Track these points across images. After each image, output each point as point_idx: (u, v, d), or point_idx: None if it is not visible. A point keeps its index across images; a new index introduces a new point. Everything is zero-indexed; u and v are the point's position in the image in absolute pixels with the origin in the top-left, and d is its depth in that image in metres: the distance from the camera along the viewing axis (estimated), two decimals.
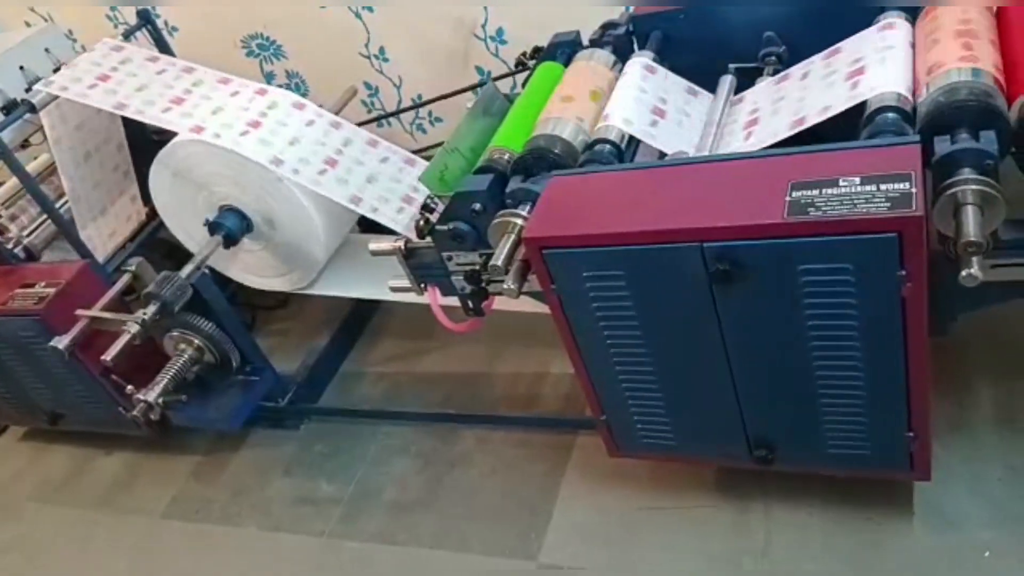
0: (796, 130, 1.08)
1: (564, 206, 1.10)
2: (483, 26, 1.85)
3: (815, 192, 0.93)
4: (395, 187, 1.56)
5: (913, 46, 1.12)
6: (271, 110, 1.58)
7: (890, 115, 1.01)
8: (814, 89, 1.14)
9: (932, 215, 0.94)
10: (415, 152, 1.71)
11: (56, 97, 1.58)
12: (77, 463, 1.95)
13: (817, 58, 1.20)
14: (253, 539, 1.61)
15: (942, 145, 0.95)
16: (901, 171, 0.90)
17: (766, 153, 1.06)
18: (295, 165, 1.50)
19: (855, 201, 0.90)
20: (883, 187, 0.90)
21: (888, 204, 0.88)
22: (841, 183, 0.92)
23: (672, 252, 0.99)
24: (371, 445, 1.70)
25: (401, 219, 1.51)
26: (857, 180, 0.92)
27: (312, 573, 1.51)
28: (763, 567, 1.25)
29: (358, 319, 2.01)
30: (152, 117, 1.55)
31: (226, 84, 1.64)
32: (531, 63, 1.54)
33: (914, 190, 0.88)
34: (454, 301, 1.37)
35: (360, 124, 1.72)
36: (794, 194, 0.94)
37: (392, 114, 2.09)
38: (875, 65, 1.08)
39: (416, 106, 2.03)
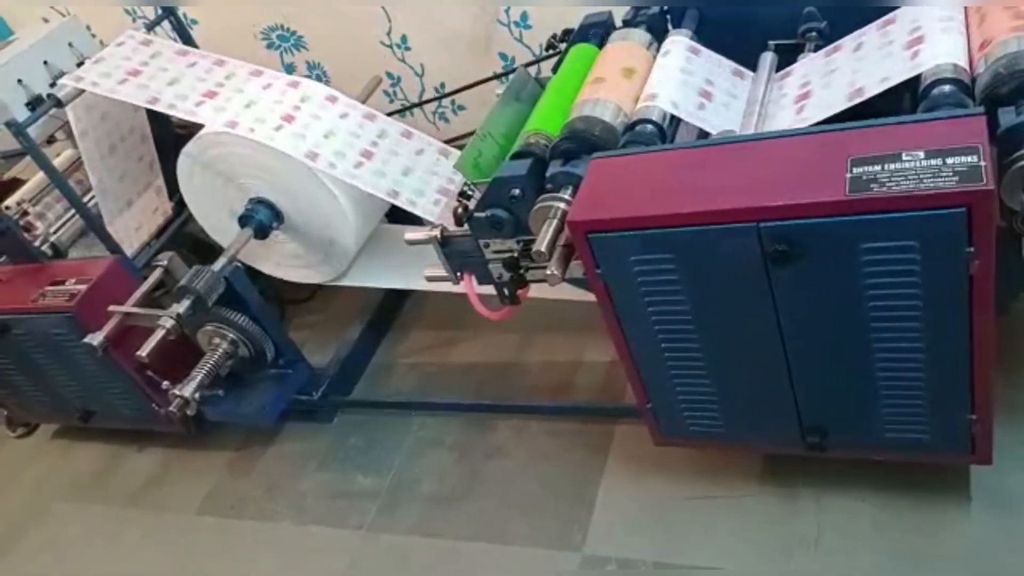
0: (855, 101, 1.04)
1: (608, 189, 1.07)
2: (506, 11, 1.82)
3: (877, 168, 0.89)
4: (431, 180, 1.54)
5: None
6: (304, 103, 1.57)
7: (947, 87, 0.98)
8: (870, 60, 1.10)
9: (1000, 189, 0.91)
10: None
11: (82, 91, 1.57)
12: (108, 461, 1.94)
13: (872, 27, 1.16)
14: (289, 534, 1.60)
15: (1007, 116, 0.91)
16: (968, 144, 0.87)
17: (819, 129, 1.03)
18: (331, 159, 1.49)
19: (921, 176, 0.86)
20: (949, 161, 0.86)
21: (956, 178, 0.84)
22: (904, 158, 0.89)
23: (726, 233, 0.96)
24: (406, 437, 1.69)
25: (439, 212, 1.49)
26: (921, 154, 0.88)
27: (350, 567, 1.49)
28: (816, 557, 1.22)
29: (388, 310, 1.99)
30: (186, 111, 1.54)
31: (258, 76, 1.63)
32: (561, 46, 1.51)
33: (983, 163, 0.85)
34: (487, 289, 1.35)
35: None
36: (855, 170, 0.90)
37: (416, 105, 2.06)
38: (936, 34, 1.04)
39: (440, 97, 2.01)
